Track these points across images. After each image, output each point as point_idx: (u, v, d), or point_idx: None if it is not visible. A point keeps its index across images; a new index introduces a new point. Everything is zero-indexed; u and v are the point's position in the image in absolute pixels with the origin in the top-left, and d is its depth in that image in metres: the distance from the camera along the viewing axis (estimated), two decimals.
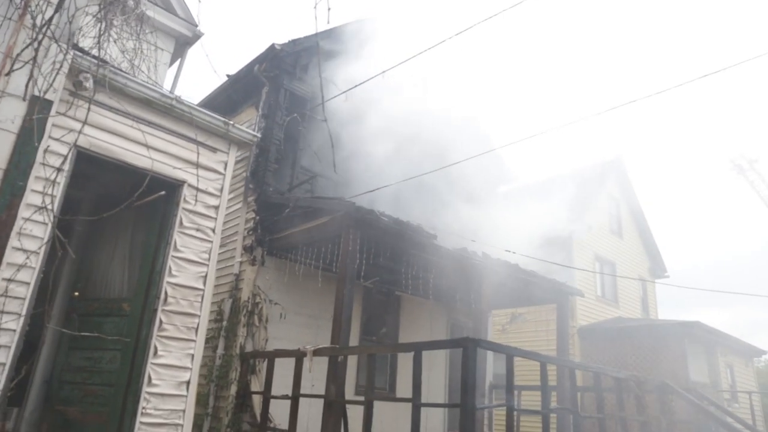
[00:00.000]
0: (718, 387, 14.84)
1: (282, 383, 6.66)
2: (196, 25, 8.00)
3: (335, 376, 6.06)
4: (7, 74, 3.58)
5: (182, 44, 8.20)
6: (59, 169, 4.02)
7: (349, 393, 8.17)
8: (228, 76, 9.46)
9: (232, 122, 5.24)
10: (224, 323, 7.90)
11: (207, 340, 7.68)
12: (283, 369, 6.76)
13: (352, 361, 8.43)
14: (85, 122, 3.99)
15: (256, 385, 7.33)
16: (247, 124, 8.95)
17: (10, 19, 3.71)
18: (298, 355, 6.33)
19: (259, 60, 8.75)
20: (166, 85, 8.00)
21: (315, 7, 2.90)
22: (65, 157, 4.13)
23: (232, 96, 9.57)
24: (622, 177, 19.16)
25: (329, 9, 2.94)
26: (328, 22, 3.15)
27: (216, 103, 9.61)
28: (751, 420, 13.64)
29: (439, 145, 10.71)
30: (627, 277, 16.93)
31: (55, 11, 3.59)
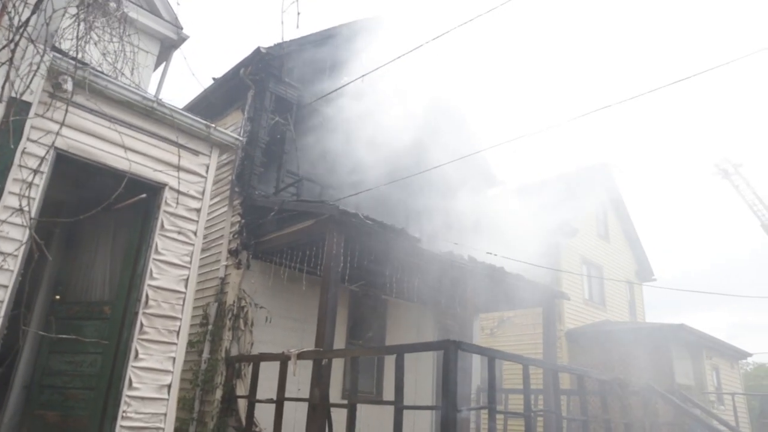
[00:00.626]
0: (704, 389, 14.96)
1: (268, 387, 6.64)
2: (181, 28, 7.99)
3: (319, 379, 6.05)
4: None
5: (167, 47, 8.18)
6: (37, 171, 4.00)
7: (336, 396, 8.15)
8: (214, 79, 9.45)
9: (213, 125, 5.23)
10: (210, 327, 7.86)
11: (192, 345, 7.66)
12: (269, 373, 6.75)
13: (338, 365, 8.43)
14: (62, 124, 3.97)
15: (242, 389, 7.29)
16: (232, 128, 8.94)
17: None
18: (283, 359, 6.32)
19: (245, 63, 8.75)
20: (152, 88, 7.99)
21: (283, 12, 2.92)
22: (44, 159, 4.10)
23: (218, 99, 9.55)
24: (609, 182, 19.32)
25: (299, 13, 2.97)
26: (297, 27, 3.18)
27: (202, 107, 9.59)
28: (734, 421, 13.75)
29: (425, 149, 10.77)
30: (613, 280, 17.05)
31: (32, 12, 3.58)
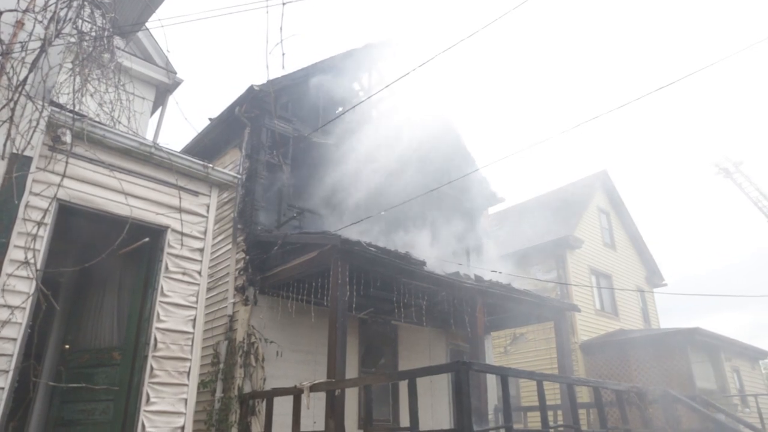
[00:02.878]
0: (726, 392, 14.71)
1: (284, 422, 6.59)
2: (175, 72, 8.17)
3: (333, 410, 6.02)
4: None
5: (162, 91, 8.35)
6: (41, 224, 4.07)
7: (352, 426, 8.07)
8: (210, 119, 9.60)
9: (211, 165, 5.32)
10: (221, 366, 7.84)
11: (205, 384, 7.64)
12: (283, 408, 6.71)
13: (353, 395, 8.36)
14: (63, 176, 4.06)
15: (257, 426, 7.23)
16: (231, 166, 9.06)
17: None
18: (296, 393, 6.30)
19: (239, 102, 8.90)
20: (149, 133, 8.13)
21: (269, 53, 3.02)
22: (47, 211, 4.18)
23: (215, 139, 9.70)
24: (610, 189, 19.34)
25: (283, 54, 3.08)
26: (283, 67, 3.29)
27: (200, 147, 9.73)
28: (760, 423, 13.49)
29: (427, 172, 10.86)
30: (623, 289, 16.92)
31: (29, 71, 3.70)
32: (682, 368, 13.47)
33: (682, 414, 9.10)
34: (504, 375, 5.36)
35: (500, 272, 8.96)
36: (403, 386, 9.18)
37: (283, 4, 3.40)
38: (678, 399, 8.21)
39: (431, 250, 10.27)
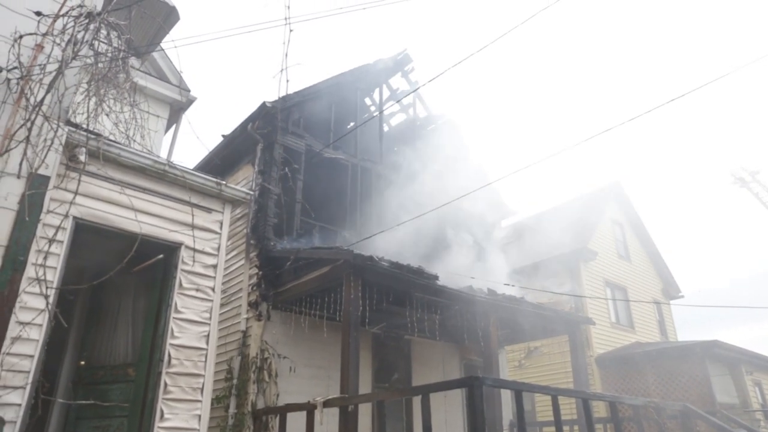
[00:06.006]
0: (748, 407, 14.38)
1: None
2: (189, 90, 8.30)
3: (347, 426, 5.99)
4: (2, 154, 3.74)
5: (177, 109, 8.48)
6: (57, 241, 4.13)
7: None
8: (223, 136, 9.71)
9: (224, 182, 5.38)
10: (234, 381, 7.85)
11: (218, 400, 7.65)
12: (296, 423, 6.69)
13: (366, 410, 8.31)
14: (76, 194, 4.13)
15: None
16: (244, 182, 9.13)
17: (4, 102, 3.90)
18: (309, 408, 6.28)
19: (252, 118, 9.00)
20: (164, 151, 8.25)
21: (281, 75, 3.08)
22: (61, 229, 4.24)
23: (228, 155, 9.80)
24: (624, 201, 19.19)
25: (288, 81, 3.16)
26: (287, 91, 3.35)
27: (213, 164, 9.83)
28: None
29: (438, 185, 10.87)
30: (639, 300, 16.72)
31: (47, 92, 3.79)
32: (701, 382, 13.22)
33: (702, 430, 8.92)
34: (518, 390, 5.30)
35: (513, 285, 8.90)
36: (417, 401, 9.12)
37: (291, 30, 3.47)
38: (698, 414, 8.05)
39: (444, 263, 10.24)
